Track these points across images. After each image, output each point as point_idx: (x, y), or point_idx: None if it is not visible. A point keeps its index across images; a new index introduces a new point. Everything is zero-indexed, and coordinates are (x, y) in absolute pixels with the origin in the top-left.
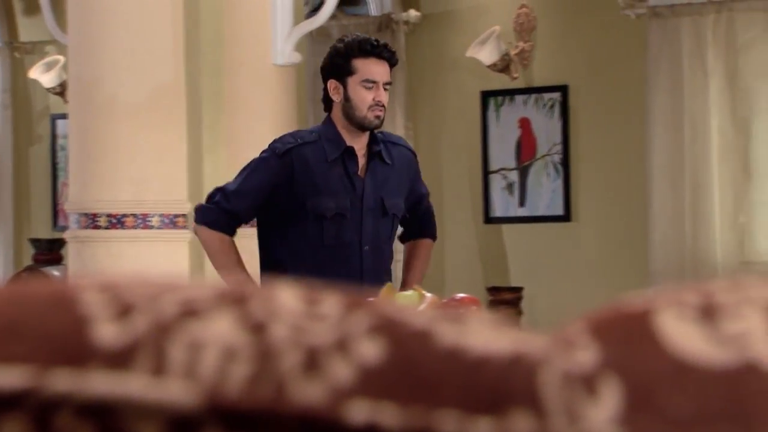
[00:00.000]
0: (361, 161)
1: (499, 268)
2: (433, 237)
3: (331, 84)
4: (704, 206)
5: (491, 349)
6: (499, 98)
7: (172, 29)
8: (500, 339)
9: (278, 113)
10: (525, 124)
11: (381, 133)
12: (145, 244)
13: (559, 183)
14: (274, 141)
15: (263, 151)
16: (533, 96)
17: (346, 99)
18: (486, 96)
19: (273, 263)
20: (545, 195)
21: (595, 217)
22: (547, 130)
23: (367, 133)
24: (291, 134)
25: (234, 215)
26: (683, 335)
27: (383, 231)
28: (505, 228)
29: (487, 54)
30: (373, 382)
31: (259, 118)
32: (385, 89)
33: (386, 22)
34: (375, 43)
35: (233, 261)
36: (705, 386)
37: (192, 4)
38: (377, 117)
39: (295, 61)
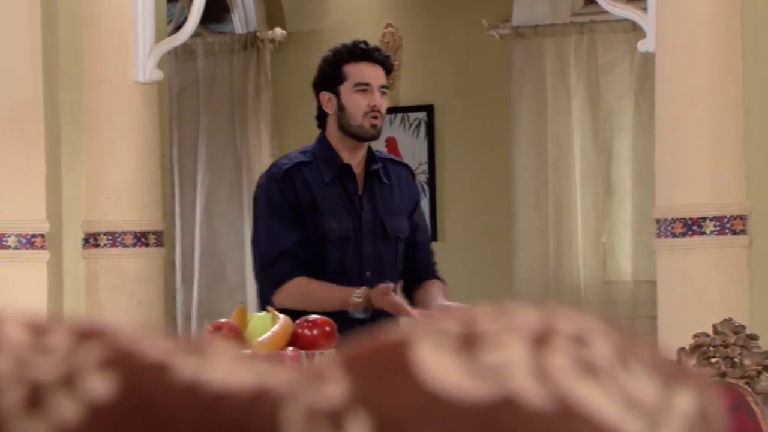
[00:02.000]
0: (360, 180)
1: None
2: (443, 281)
3: (324, 97)
4: (567, 226)
5: (232, 384)
6: None
7: (30, 44)
8: (243, 373)
9: (140, 131)
10: (391, 143)
11: (378, 151)
12: (0, 265)
13: (425, 203)
14: (268, 169)
15: (260, 185)
16: (399, 115)
17: (340, 108)
18: None
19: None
20: None
21: (462, 236)
22: (413, 150)
23: (364, 149)
24: (283, 157)
25: (284, 255)
26: (439, 367)
27: (387, 255)
28: None
29: None
30: (102, 420)
31: (120, 136)
32: (382, 93)
33: (252, 40)
34: (365, 46)
35: (318, 288)
36: (458, 421)
37: (51, 19)
38: (374, 126)
39: (156, 79)
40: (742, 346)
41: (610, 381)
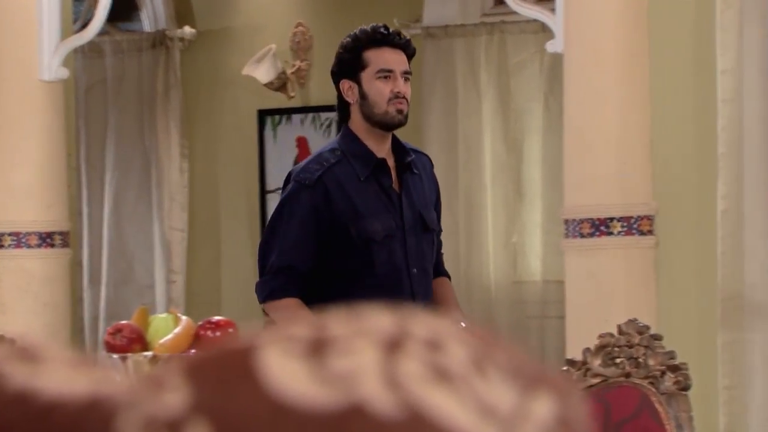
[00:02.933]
0: (393, 173)
1: None
2: (449, 276)
3: (344, 85)
4: (477, 226)
5: (66, 392)
6: (276, 117)
7: None
8: (78, 380)
9: (45, 130)
10: (302, 143)
11: (399, 139)
12: None
13: None
14: (298, 172)
15: (288, 187)
16: (310, 115)
17: (362, 97)
18: (263, 115)
19: (319, 302)
20: None
21: None
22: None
23: (389, 138)
24: (313, 160)
25: (289, 271)
26: (286, 373)
27: (428, 250)
28: None
29: (263, 72)
30: None
31: (25, 135)
32: (405, 79)
33: (161, 38)
34: (386, 30)
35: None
36: (304, 429)
37: None
38: (400, 111)
39: (62, 77)
40: (646, 347)
41: (464, 387)
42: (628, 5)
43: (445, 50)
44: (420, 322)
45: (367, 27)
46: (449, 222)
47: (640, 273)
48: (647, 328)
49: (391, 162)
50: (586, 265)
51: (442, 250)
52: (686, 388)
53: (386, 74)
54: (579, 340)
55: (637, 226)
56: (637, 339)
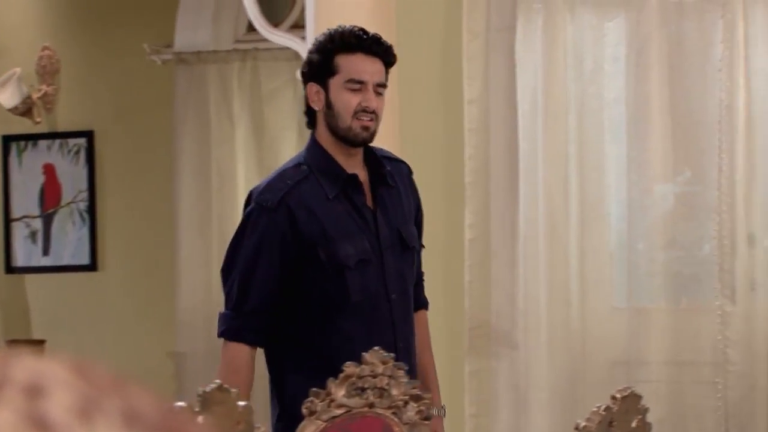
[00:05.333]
0: (365, 188)
1: (21, 320)
2: (426, 305)
3: (311, 88)
4: None
5: None
6: (22, 143)
7: None
8: None
9: None
10: (49, 170)
11: (374, 148)
12: None
13: (85, 231)
14: (259, 192)
15: (247, 210)
16: (58, 141)
17: (328, 105)
18: (7, 141)
19: (281, 346)
20: (70, 243)
21: (123, 266)
22: (72, 177)
23: (360, 151)
24: (276, 177)
25: (248, 314)
26: None
27: (407, 271)
28: (28, 278)
29: (7, 97)
30: None
31: None
32: (377, 93)
33: None
34: (363, 34)
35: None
36: None
37: None
38: (365, 128)
39: None
40: (390, 376)
41: None
42: (378, 33)
43: (198, 76)
44: (23, 366)
45: (343, 27)
46: (202, 251)
47: None
48: (391, 357)
49: (363, 176)
50: None
51: (422, 270)
52: (428, 417)
53: (356, 85)
54: None
55: None
56: (381, 369)
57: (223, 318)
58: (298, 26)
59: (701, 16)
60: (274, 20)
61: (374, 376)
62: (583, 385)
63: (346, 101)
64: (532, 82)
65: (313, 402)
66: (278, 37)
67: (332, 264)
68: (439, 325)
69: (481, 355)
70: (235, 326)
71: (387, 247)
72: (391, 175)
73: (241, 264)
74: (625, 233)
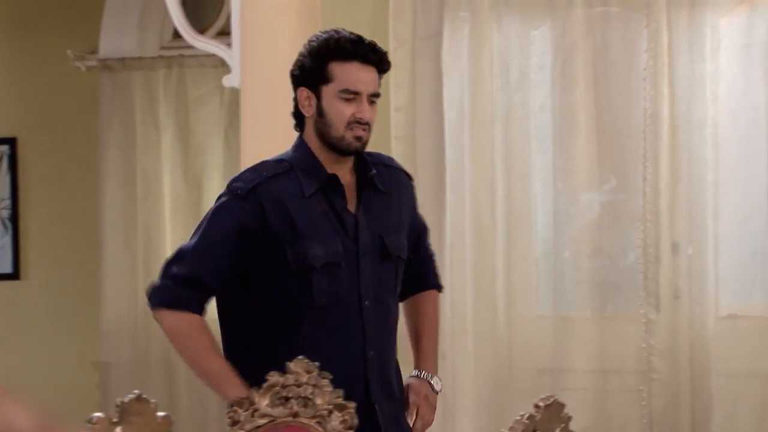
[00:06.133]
0: (350, 192)
1: None
2: (440, 287)
3: (302, 93)
4: (156, 262)
5: None
6: None
7: None
8: None
9: None
10: None
11: (368, 153)
12: None
13: (7, 239)
14: (233, 180)
15: (220, 195)
16: None
17: (320, 113)
18: None
19: (242, 343)
20: None
21: (46, 274)
22: None
23: (350, 160)
24: (254, 168)
25: (196, 284)
26: None
27: (387, 280)
28: None
29: None
30: None
31: None
32: (371, 102)
33: None
34: (358, 41)
35: (203, 348)
36: None
37: None
38: (358, 138)
39: None
40: (314, 385)
41: None
42: (305, 40)
43: (123, 83)
44: None
45: (339, 33)
46: (127, 260)
47: None
48: (315, 366)
49: (349, 180)
50: None
51: (434, 258)
52: (353, 427)
53: (350, 96)
54: None
55: None
56: (305, 378)
57: (163, 289)
58: (225, 33)
59: (626, 25)
60: (200, 27)
61: (298, 386)
62: (508, 393)
63: (339, 112)
64: (459, 90)
65: (237, 412)
66: (204, 43)
67: (298, 263)
68: None
69: (408, 362)
70: (183, 296)
71: (365, 253)
72: (383, 181)
73: (199, 243)
74: (551, 241)
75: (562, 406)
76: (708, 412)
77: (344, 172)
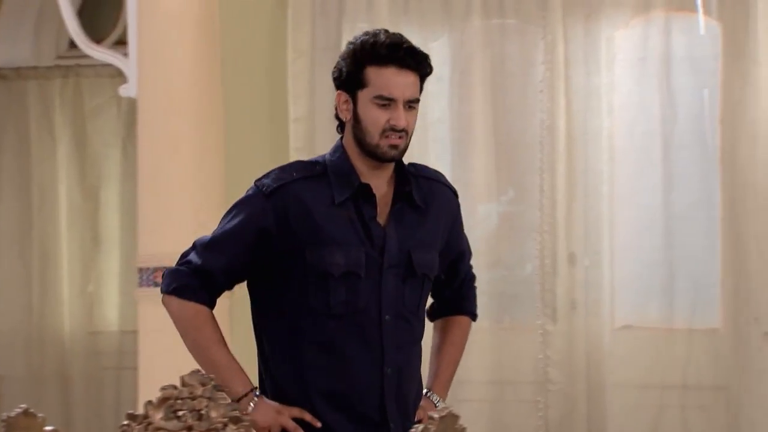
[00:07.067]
0: (383, 203)
1: None
2: (473, 315)
3: (340, 97)
4: (52, 274)
5: None
6: None
7: None
8: None
9: None
10: None
11: (413, 165)
12: None
13: None
14: (263, 176)
15: (248, 190)
16: None
17: (356, 119)
18: None
19: (272, 349)
20: None
21: None
22: None
23: (391, 166)
24: (286, 167)
25: (207, 275)
26: None
27: (410, 297)
28: None
29: None
30: None
31: None
32: (410, 107)
33: None
34: (394, 44)
35: (209, 339)
36: None
37: None
38: (393, 146)
39: None
40: (209, 398)
41: None
42: (202, 51)
43: (18, 92)
44: None
45: (377, 35)
46: (22, 271)
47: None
48: (210, 379)
49: (384, 190)
50: (159, 314)
51: (474, 285)
52: None
53: (385, 102)
54: (152, 393)
55: None
56: (200, 390)
57: (176, 273)
58: (122, 43)
59: (523, 37)
60: (97, 36)
61: (193, 398)
62: None
63: (374, 118)
64: None
65: (130, 425)
66: (100, 53)
67: (317, 269)
68: None
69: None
70: (193, 286)
71: (390, 266)
72: (421, 195)
73: (218, 234)
74: None
75: (456, 417)
76: (603, 423)
77: (381, 181)
